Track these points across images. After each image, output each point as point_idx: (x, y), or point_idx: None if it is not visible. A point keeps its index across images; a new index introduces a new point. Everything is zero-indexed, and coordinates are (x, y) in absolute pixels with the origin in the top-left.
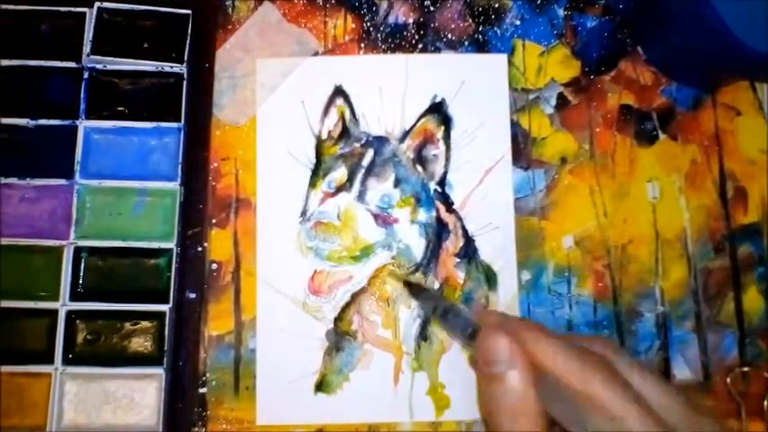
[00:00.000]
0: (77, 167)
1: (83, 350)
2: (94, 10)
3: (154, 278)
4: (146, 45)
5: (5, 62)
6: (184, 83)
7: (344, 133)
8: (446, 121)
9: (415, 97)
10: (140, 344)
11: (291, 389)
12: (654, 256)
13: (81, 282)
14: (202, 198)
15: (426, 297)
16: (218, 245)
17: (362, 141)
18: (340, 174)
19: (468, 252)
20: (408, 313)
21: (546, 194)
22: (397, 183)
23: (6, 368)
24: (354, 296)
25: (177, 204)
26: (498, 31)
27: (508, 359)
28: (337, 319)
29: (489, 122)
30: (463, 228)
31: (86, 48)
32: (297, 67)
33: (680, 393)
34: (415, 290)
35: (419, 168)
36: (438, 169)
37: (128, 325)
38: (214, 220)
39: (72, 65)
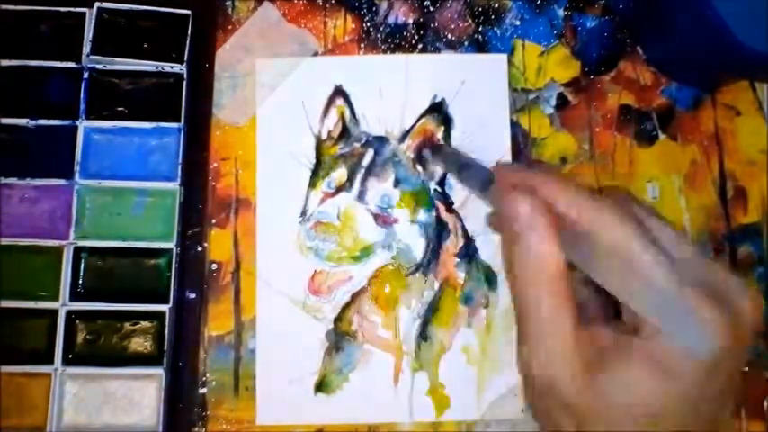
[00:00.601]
0: (77, 167)
1: (83, 350)
2: (94, 10)
3: (154, 278)
4: (146, 45)
5: (5, 62)
6: (184, 83)
7: (344, 133)
8: (446, 121)
9: (415, 97)
10: (140, 344)
11: (291, 389)
12: None
13: (81, 282)
14: (202, 198)
15: (446, 153)
16: (218, 245)
17: (362, 141)
18: (340, 174)
19: (469, 252)
20: (408, 313)
21: None
22: (397, 183)
23: (6, 368)
24: (354, 296)
25: (177, 204)
26: (498, 32)
27: (529, 217)
28: (337, 319)
29: (489, 122)
30: (463, 228)
31: (86, 48)
32: (297, 67)
33: (696, 248)
34: (435, 148)
35: (419, 168)
36: (438, 169)
37: (128, 325)
38: (214, 220)
39: (72, 65)
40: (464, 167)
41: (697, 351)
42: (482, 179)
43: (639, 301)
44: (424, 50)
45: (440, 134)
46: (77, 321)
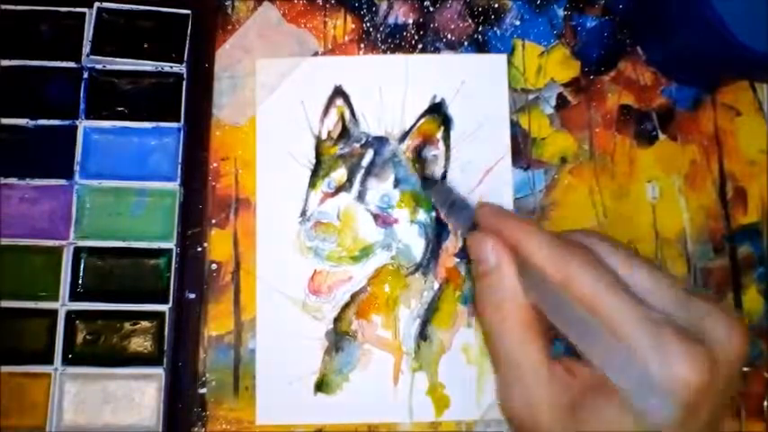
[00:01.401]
0: (77, 167)
1: (83, 350)
2: (94, 10)
3: (154, 278)
4: (146, 45)
5: (5, 62)
6: (184, 83)
7: (344, 133)
8: (446, 121)
9: (415, 97)
10: (140, 344)
11: (291, 389)
12: (654, 256)
13: (81, 282)
14: (202, 198)
15: (438, 190)
16: (218, 245)
17: (362, 141)
18: (340, 174)
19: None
20: (408, 313)
21: (546, 194)
22: (397, 183)
23: (6, 368)
24: (354, 296)
25: (177, 204)
26: (498, 32)
27: (494, 257)
28: (337, 319)
29: (489, 122)
30: None
31: (86, 48)
32: (297, 67)
33: (671, 278)
34: (428, 183)
35: (419, 168)
36: (438, 169)
37: (127, 325)
38: (214, 220)
39: (72, 65)
40: (452, 207)
41: (654, 416)
42: (468, 222)
43: (603, 363)
44: (423, 50)
45: (440, 134)
46: (77, 321)
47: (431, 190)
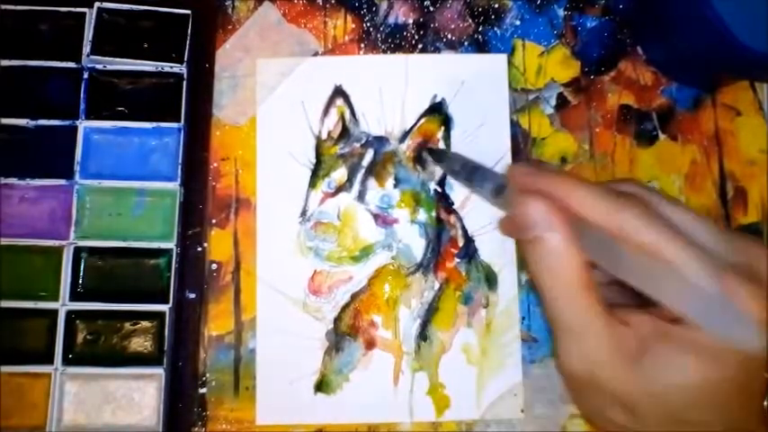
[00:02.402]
0: (77, 167)
1: (83, 350)
2: (94, 10)
3: (154, 278)
4: (146, 45)
5: (5, 62)
6: (184, 83)
7: (344, 133)
8: (446, 121)
9: (415, 97)
10: (140, 344)
11: (291, 389)
12: None
13: (81, 282)
14: (202, 198)
15: (451, 159)
16: (218, 245)
17: (362, 141)
18: (340, 174)
19: (469, 252)
20: (408, 313)
21: None
22: (397, 183)
23: (6, 368)
24: (354, 296)
25: (177, 204)
26: (498, 31)
27: (544, 220)
28: (337, 319)
29: (489, 122)
30: (463, 228)
31: (86, 48)
32: (297, 67)
33: (711, 221)
34: (438, 155)
35: (419, 168)
36: (438, 169)
37: (128, 325)
38: (214, 220)
39: (72, 65)
40: (474, 173)
41: (745, 342)
42: (495, 185)
43: (678, 302)
44: (424, 50)
45: (440, 134)
46: (77, 321)
47: (443, 161)
